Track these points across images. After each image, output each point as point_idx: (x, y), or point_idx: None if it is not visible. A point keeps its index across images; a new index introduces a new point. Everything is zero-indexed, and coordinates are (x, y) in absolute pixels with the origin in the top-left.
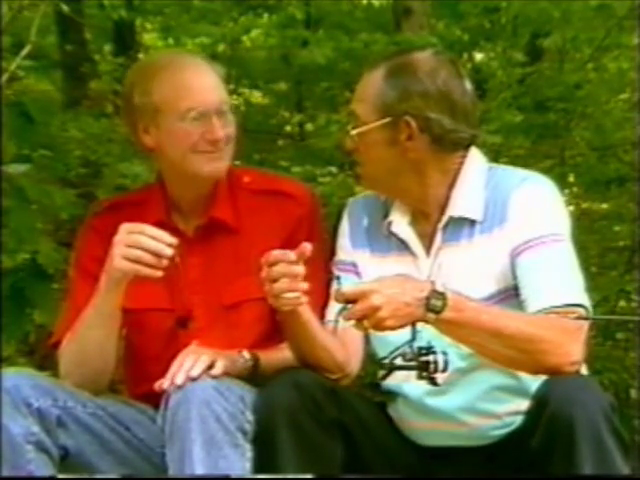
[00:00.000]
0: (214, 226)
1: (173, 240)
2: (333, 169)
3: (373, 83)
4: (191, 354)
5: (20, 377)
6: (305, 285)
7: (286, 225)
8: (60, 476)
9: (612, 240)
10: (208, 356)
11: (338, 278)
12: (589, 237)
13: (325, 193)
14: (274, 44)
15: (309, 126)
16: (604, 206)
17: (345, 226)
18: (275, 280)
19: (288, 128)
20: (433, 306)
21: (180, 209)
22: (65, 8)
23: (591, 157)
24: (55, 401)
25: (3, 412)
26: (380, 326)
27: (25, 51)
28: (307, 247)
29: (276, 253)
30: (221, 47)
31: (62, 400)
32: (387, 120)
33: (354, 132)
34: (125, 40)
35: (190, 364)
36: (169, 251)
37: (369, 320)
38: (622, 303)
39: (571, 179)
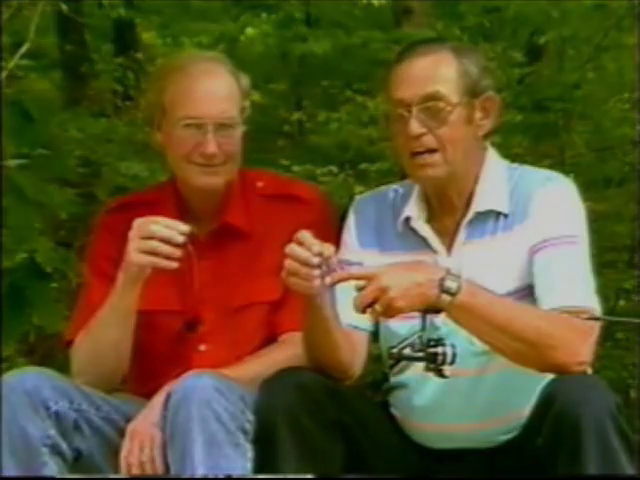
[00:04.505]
0: (227, 231)
1: (186, 228)
2: (333, 168)
3: (449, 63)
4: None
5: (41, 378)
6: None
7: (296, 230)
8: (61, 476)
9: (611, 240)
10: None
11: None
12: (589, 236)
13: (325, 192)
14: (273, 43)
15: (308, 125)
16: (603, 206)
17: (352, 224)
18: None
19: (287, 127)
20: (448, 287)
21: (193, 212)
22: (64, 7)
23: (590, 157)
24: (71, 403)
25: (22, 414)
26: (391, 307)
27: (23, 49)
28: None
29: (305, 236)
30: (220, 47)
31: (77, 402)
32: (468, 98)
33: (450, 108)
34: (125, 39)
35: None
36: (182, 239)
37: (380, 302)
38: (622, 302)
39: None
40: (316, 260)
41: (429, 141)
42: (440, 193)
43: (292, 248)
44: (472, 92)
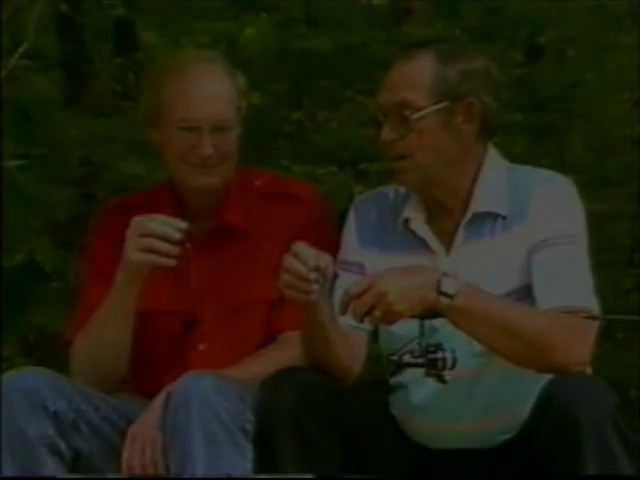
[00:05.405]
0: (224, 230)
1: (184, 225)
2: (333, 168)
3: (425, 68)
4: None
5: (39, 378)
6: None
7: (293, 228)
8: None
9: (611, 239)
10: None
11: (339, 276)
12: (588, 236)
13: (325, 192)
14: (273, 43)
15: (308, 125)
16: (603, 206)
17: (352, 225)
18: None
19: (287, 127)
20: (446, 288)
21: (190, 212)
22: (64, 7)
23: (590, 157)
24: (70, 403)
25: (21, 414)
26: (391, 312)
27: (22, 48)
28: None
29: (301, 249)
30: (220, 46)
31: (76, 402)
32: (446, 103)
33: (416, 116)
34: (125, 39)
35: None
36: (179, 235)
37: (379, 308)
38: (621, 302)
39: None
40: (313, 275)
41: (400, 148)
42: (427, 196)
43: (289, 262)
44: (450, 97)
